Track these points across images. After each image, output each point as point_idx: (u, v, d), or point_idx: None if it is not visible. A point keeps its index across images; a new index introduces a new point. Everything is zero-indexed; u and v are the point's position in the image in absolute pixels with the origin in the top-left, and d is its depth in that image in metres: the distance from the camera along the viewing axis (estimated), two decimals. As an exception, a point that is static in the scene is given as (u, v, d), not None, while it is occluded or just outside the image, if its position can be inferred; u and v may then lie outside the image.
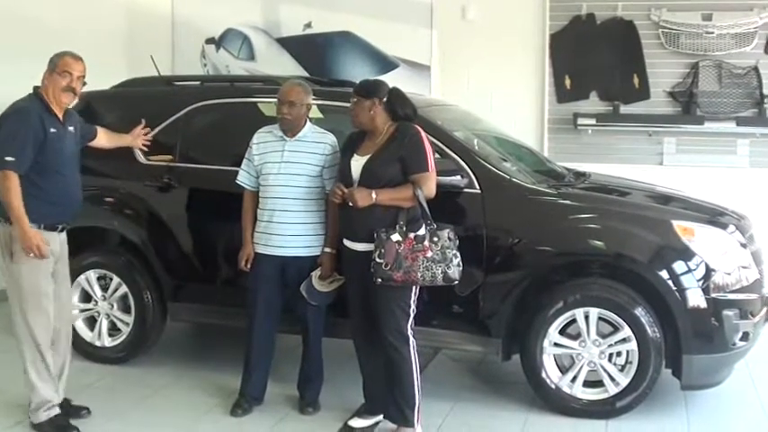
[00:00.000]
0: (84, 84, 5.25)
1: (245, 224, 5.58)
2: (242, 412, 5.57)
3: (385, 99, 5.01)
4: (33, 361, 5.16)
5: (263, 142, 5.52)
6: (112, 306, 6.43)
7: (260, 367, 5.66)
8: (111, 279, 6.41)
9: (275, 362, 5.77)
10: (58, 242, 5.23)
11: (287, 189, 5.42)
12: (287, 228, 5.43)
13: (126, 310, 6.39)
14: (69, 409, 5.42)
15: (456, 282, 4.96)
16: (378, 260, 4.80)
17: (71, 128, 5.25)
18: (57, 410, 5.24)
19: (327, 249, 5.46)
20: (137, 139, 6.01)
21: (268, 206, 5.46)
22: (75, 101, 5.34)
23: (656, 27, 8.96)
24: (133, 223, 6.33)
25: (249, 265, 5.54)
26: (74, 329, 6.43)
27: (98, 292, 6.45)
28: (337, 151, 5.43)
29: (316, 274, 5.43)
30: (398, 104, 5.04)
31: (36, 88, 5.15)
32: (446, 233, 4.91)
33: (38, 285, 5.10)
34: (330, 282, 5.43)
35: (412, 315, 5.00)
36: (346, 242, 5.11)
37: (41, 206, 5.03)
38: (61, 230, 5.25)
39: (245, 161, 5.59)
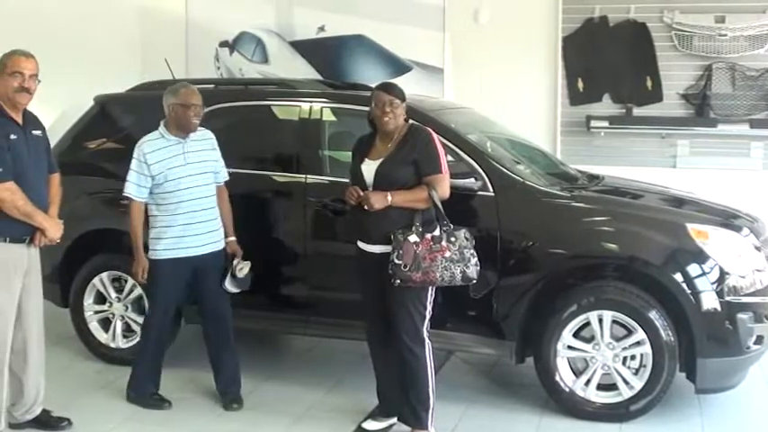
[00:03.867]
0: (38, 82, 4.99)
1: (137, 236, 5.57)
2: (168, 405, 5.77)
3: None
4: None
5: (157, 150, 5.52)
6: (127, 308, 6.46)
7: (157, 366, 5.83)
8: (126, 281, 6.44)
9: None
10: (26, 255, 5.02)
11: (198, 190, 5.57)
12: (204, 226, 5.60)
13: (140, 311, 6.39)
14: (49, 421, 5.34)
15: (474, 281, 4.97)
16: (396, 261, 4.81)
17: (35, 132, 5.05)
18: None
19: (232, 238, 5.77)
20: (51, 225, 5.07)
21: (182, 210, 5.53)
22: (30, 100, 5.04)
23: (669, 29, 8.93)
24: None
25: (146, 275, 5.62)
26: (89, 331, 6.52)
27: (112, 293, 6.48)
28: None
29: (236, 263, 5.68)
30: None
31: None
32: (462, 233, 4.94)
33: None
34: (241, 268, 5.68)
35: (428, 317, 5.01)
36: (361, 245, 5.11)
37: (5, 218, 4.83)
38: (29, 242, 5.01)
39: (134, 175, 5.51)
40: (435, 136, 5.04)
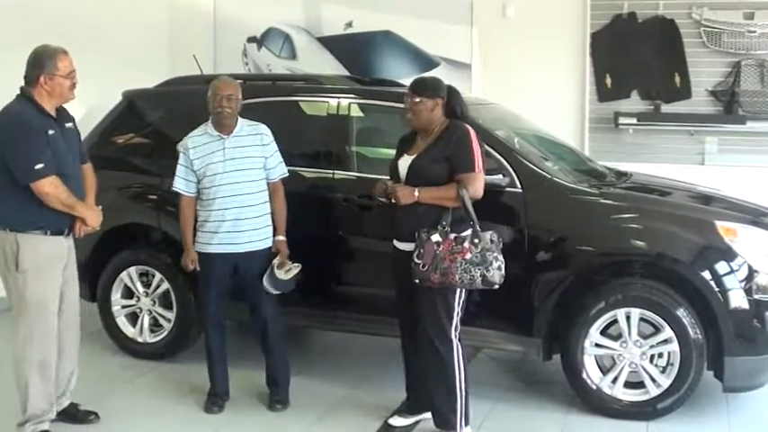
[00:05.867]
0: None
1: (185, 229, 5.62)
2: (218, 409, 5.65)
3: (445, 98, 5.01)
4: (31, 373, 4.98)
5: (200, 146, 5.51)
6: (154, 302, 6.50)
7: (223, 363, 5.75)
8: (153, 276, 6.47)
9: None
10: (65, 247, 5.11)
11: (236, 186, 5.48)
12: (241, 224, 5.49)
13: (168, 306, 6.45)
14: (77, 414, 5.39)
15: (497, 286, 4.87)
16: (416, 260, 4.78)
17: (68, 124, 5.11)
18: (45, 426, 5.07)
19: (280, 237, 5.60)
20: (92, 214, 5.13)
21: (217, 206, 5.48)
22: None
23: (698, 26, 8.87)
24: (175, 221, 6.32)
25: (198, 268, 5.60)
26: (116, 325, 6.56)
27: (140, 288, 6.52)
28: (273, 140, 5.59)
29: (276, 263, 5.52)
30: (458, 103, 5.04)
31: (23, 89, 4.97)
32: (488, 235, 4.84)
33: (44, 296, 4.97)
34: (288, 269, 5.51)
35: (456, 318, 4.95)
36: (395, 242, 5.09)
37: (46, 211, 4.90)
38: (67, 235, 5.09)
39: (180, 168, 5.56)
40: (474, 134, 4.95)
